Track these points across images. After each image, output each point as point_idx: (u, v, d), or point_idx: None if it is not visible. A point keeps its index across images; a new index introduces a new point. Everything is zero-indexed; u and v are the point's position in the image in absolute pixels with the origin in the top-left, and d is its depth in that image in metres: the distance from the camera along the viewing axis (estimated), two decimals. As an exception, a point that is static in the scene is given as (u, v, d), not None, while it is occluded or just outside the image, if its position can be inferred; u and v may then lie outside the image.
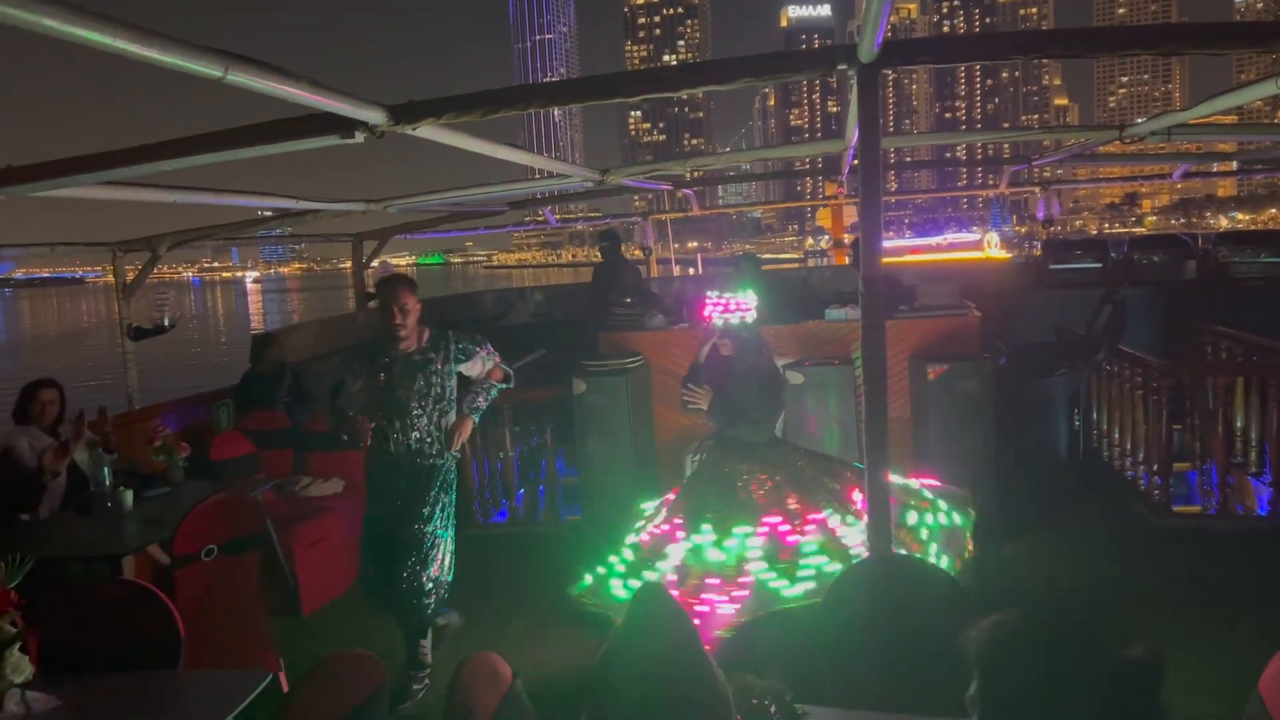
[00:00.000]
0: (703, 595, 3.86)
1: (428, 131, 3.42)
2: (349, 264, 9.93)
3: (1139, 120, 5.13)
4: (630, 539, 4.40)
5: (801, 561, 3.87)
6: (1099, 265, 9.25)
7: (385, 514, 4.24)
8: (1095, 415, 7.30)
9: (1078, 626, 1.32)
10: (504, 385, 4.51)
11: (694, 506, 4.19)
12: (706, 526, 4.06)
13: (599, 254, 9.41)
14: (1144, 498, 6.20)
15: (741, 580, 3.85)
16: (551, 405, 6.79)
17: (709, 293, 4.45)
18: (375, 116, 3.08)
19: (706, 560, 3.97)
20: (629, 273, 9.24)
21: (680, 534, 4.11)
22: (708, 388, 4.39)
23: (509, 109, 3.07)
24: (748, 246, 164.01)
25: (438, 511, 4.25)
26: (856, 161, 3.49)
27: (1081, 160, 7.74)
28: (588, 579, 4.35)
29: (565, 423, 6.61)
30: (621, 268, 9.30)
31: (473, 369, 4.41)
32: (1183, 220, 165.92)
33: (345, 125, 3.08)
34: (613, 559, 4.31)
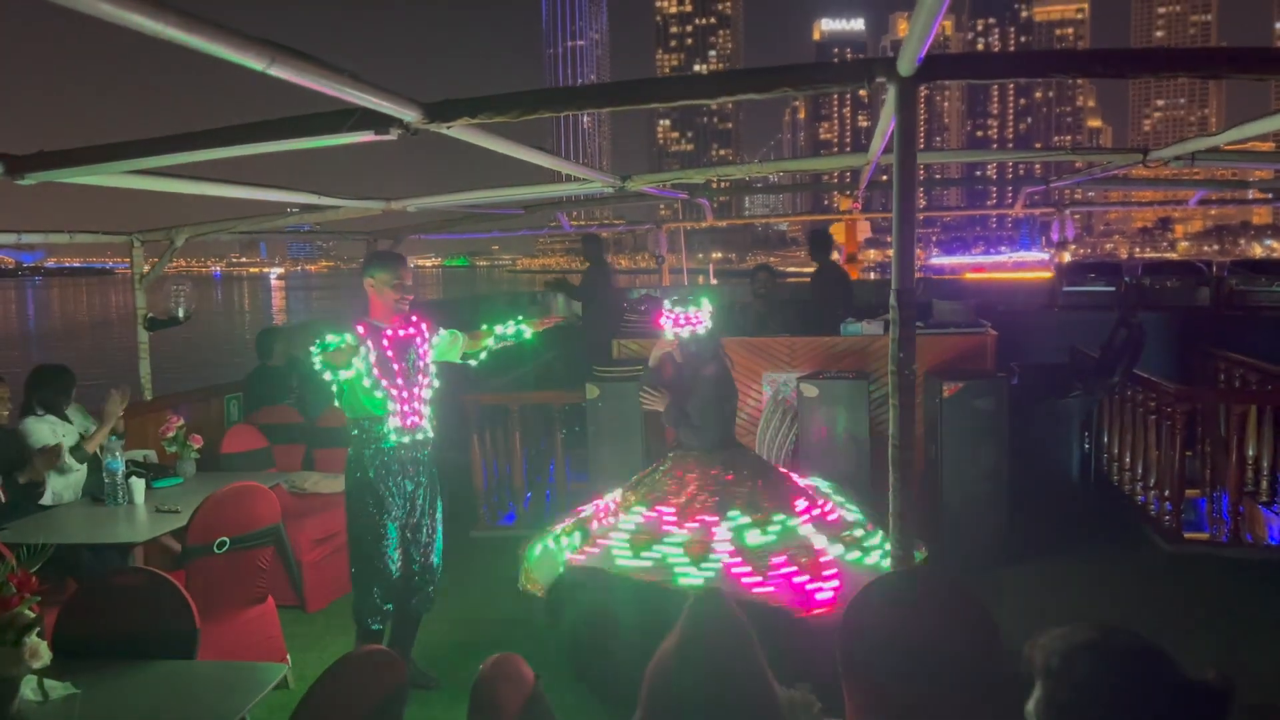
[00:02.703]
0: (774, 574, 3.80)
1: (460, 131, 3.42)
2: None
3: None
4: (666, 538, 4.06)
5: (861, 540, 4.00)
6: (1112, 288, 9.25)
7: (404, 507, 4.18)
8: (1106, 438, 7.28)
9: (1151, 645, 1.30)
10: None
11: (719, 499, 4.11)
12: (735, 512, 4.01)
13: (584, 259, 9.58)
14: (1155, 523, 6.17)
15: (824, 562, 3.84)
16: (561, 409, 6.79)
17: (665, 303, 4.48)
18: (411, 114, 3.08)
19: (749, 542, 3.91)
20: (614, 276, 9.66)
21: (715, 528, 3.99)
22: (664, 391, 4.47)
23: (546, 110, 3.07)
24: (772, 259, 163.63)
25: (440, 494, 4.34)
26: (886, 178, 3.47)
27: (1103, 184, 7.72)
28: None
29: (574, 427, 6.60)
30: (612, 273, 9.62)
31: (446, 349, 4.41)
32: (1216, 246, 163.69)
33: (381, 122, 3.08)
34: (661, 549, 3.99)
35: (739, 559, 3.85)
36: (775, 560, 3.84)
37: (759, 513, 4.02)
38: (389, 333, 4.09)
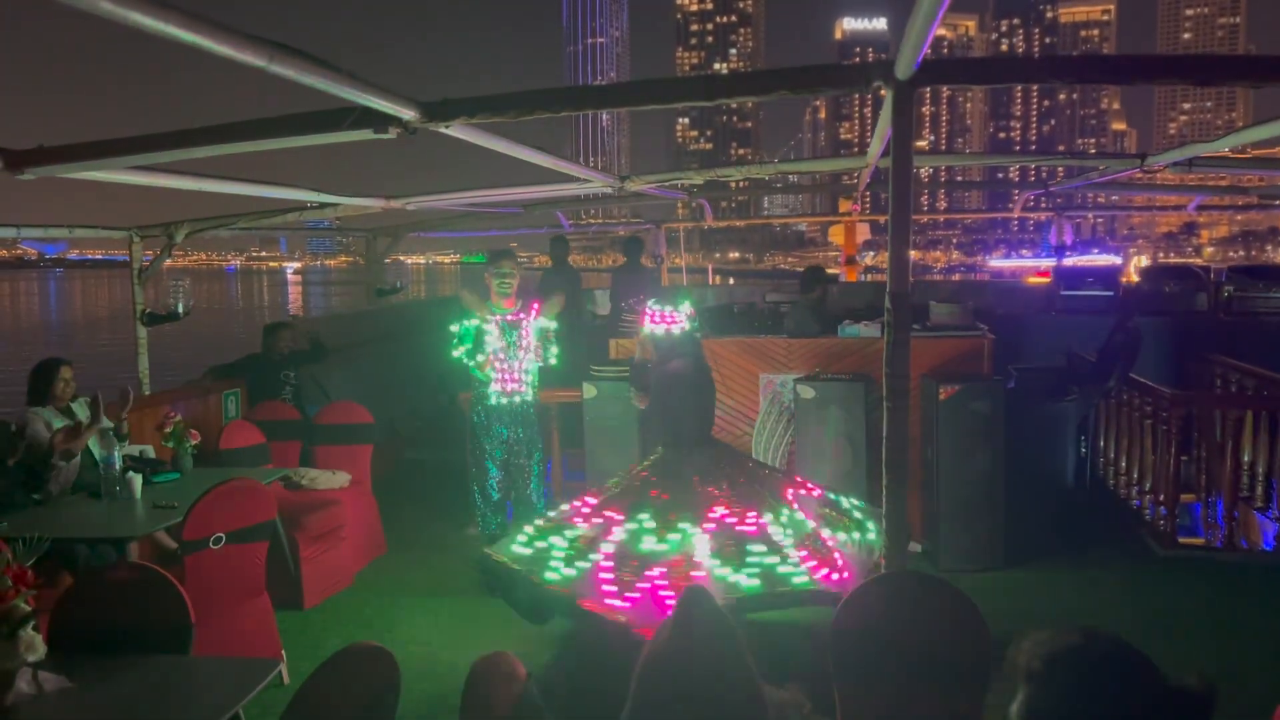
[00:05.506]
0: (645, 578, 3.76)
1: (458, 130, 3.44)
2: (392, 258, 10.05)
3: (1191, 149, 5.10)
4: (567, 528, 4.20)
5: (749, 555, 3.85)
6: (1110, 293, 9.24)
7: (502, 448, 5.53)
8: (1102, 442, 7.29)
9: (1134, 649, 1.31)
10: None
11: (634, 500, 4.16)
12: (644, 515, 4.02)
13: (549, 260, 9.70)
14: (1149, 527, 6.19)
15: (694, 575, 3.74)
16: (558, 408, 6.79)
17: (649, 304, 4.78)
18: (409, 113, 3.09)
19: (642, 549, 3.90)
20: (575, 279, 9.95)
21: (616, 525, 4.05)
22: (645, 391, 4.87)
23: (543, 111, 3.08)
24: (790, 258, 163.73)
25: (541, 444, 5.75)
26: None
27: (1101, 188, 7.73)
28: (517, 549, 4.14)
29: (571, 426, 6.61)
30: (573, 276, 9.86)
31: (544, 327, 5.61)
32: (1241, 252, 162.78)
33: (380, 120, 3.09)
34: (549, 540, 4.12)
35: (610, 563, 3.83)
36: (649, 573, 3.78)
37: (669, 521, 3.99)
38: (498, 317, 5.41)
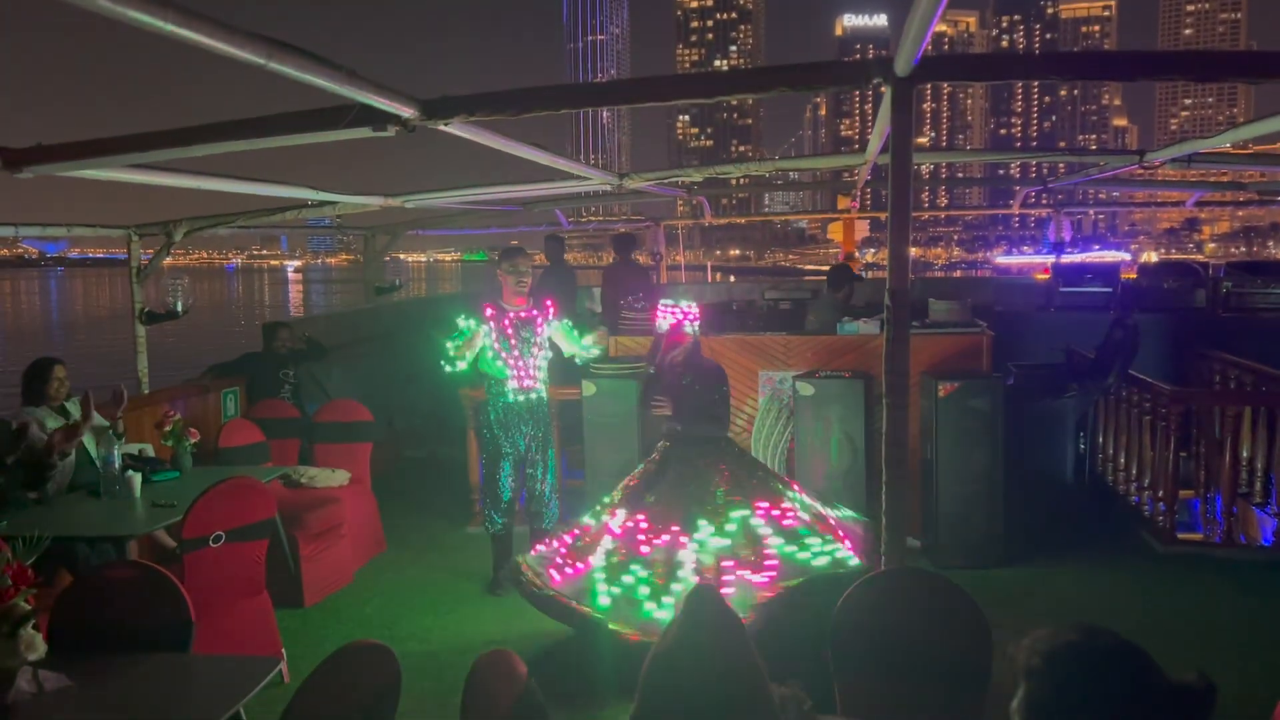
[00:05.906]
0: (724, 577, 4.01)
1: (457, 128, 3.43)
2: (390, 256, 10.05)
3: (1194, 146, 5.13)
4: (635, 560, 4.23)
5: (806, 541, 4.17)
6: (1109, 289, 9.24)
7: (519, 448, 5.36)
8: (1101, 439, 7.30)
9: (1133, 646, 1.31)
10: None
11: (684, 507, 4.28)
12: (703, 522, 4.19)
13: (544, 257, 9.65)
14: (1149, 523, 6.20)
15: (766, 553, 4.04)
16: (557, 406, 6.79)
17: (663, 302, 4.88)
18: (408, 111, 3.09)
19: (712, 549, 4.11)
20: (570, 277, 9.80)
21: (684, 539, 4.16)
22: (667, 396, 4.73)
23: (541, 108, 3.08)
24: (791, 256, 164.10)
25: (552, 441, 5.55)
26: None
27: (1101, 184, 7.72)
28: (604, 600, 4.16)
29: (570, 424, 6.61)
30: (568, 275, 9.73)
31: (564, 334, 5.43)
32: (1243, 248, 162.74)
33: (379, 118, 3.08)
34: (628, 579, 4.16)
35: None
36: (725, 564, 4.05)
37: (719, 513, 4.24)
38: (510, 314, 5.27)
